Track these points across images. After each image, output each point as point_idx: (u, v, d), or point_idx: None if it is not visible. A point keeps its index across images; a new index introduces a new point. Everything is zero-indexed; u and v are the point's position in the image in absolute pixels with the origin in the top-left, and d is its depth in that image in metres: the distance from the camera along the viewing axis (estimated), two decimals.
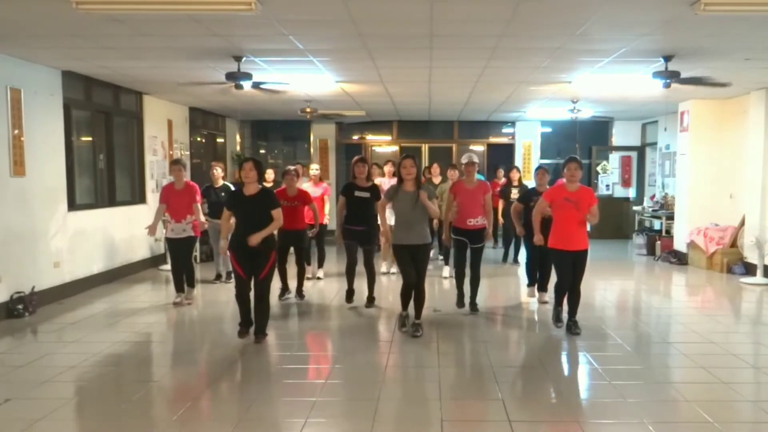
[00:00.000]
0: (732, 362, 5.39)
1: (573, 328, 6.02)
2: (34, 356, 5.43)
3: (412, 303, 6.04)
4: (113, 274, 8.81)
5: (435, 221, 7.91)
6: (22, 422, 3.96)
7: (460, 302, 7.01)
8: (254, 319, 5.81)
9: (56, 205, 7.64)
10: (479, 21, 5.36)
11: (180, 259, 7.36)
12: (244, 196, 5.75)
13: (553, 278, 6.39)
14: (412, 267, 5.92)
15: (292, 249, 7.63)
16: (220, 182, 8.56)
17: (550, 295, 7.04)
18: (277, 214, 5.73)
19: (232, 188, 7.86)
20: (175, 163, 7.49)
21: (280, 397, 4.52)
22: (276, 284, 7.14)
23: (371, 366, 5.19)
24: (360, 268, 7.14)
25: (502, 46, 6.26)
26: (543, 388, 4.80)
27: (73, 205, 8.00)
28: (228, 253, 5.98)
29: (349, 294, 7.19)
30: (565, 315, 6.17)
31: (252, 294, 5.77)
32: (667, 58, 6.65)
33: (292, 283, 7.74)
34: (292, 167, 7.76)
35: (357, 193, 6.96)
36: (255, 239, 5.54)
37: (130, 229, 9.26)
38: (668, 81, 6.87)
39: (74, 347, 5.79)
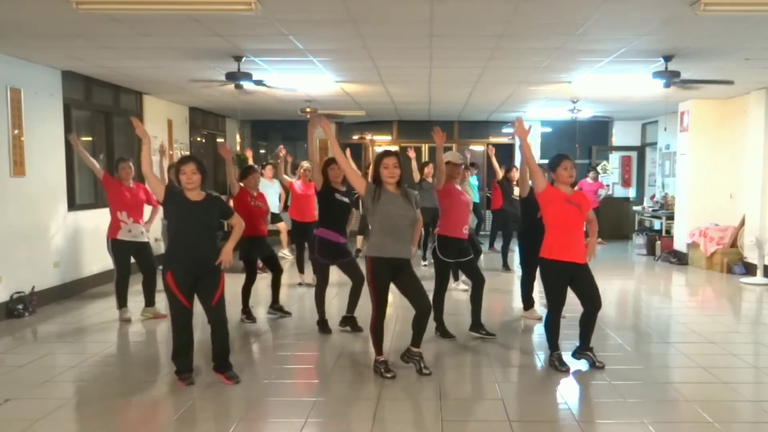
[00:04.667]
0: (732, 362, 5.39)
1: (595, 360, 5.02)
2: (34, 356, 5.42)
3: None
4: (113, 274, 8.78)
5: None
6: (22, 422, 3.96)
7: (442, 330, 5.92)
8: (214, 354, 4.71)
9: (56, 205, 7.64)
10: (479, 21, 5.36)
11: (129, 268, 6.56)
12: (187, 200, 4.53)
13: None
14: (388, 293, 4.81)
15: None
16: None
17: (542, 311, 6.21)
18: (237, 220, 4.78)
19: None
20: (123, 160, 6.59)
21: (280, 397, 4.52)
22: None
23: (371, 366, 5.18)
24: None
25: (502, 46, 6.26)
26: (543, 388, 4.80)
27: (73, 205, 8.00)
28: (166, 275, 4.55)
29: (323, 324, 6.15)
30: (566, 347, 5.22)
31: (210, 323, 4.68)
32: (667, 58, 6.64)
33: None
34: (255, 165, 7.19)
35: (338, 197, 5.95)
36: (226, 257, 4.52)
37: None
38: (668, 81, 6.87)
39: (74, 347, 5.80)
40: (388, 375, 4.79)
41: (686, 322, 6.80)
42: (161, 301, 6.79)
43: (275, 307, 6.77)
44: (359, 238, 10.80)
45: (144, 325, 6.59)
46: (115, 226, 6.43)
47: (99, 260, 8.49)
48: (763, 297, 8.18)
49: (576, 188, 5.61)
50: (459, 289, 8.08)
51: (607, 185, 13.95)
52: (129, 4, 4.70)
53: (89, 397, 4.61)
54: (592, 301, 4.94)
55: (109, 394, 4.58)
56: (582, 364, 5.12)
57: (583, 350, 5.10)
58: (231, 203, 6.29)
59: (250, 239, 6.11)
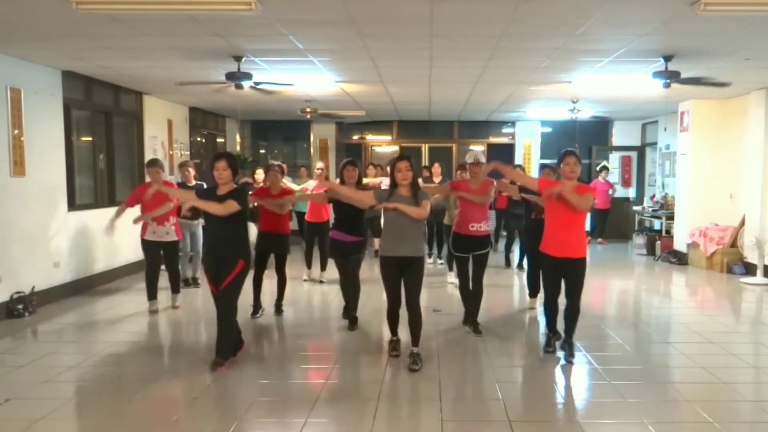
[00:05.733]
0: (732, 362, 5.39)
1: (567, 353, 5.23)
2: (34, 356, 5.42)
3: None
4: (113, 274, 8.81)
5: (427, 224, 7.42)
6: (22, 422, 3.96)
7: (474, 326, 6.12)
8: (217, 340, 5.06)
9: (56, 205, 7.64)
10: (479, 21, 5.36)
11: (157, 264, 7.02)
12: (215, 195, 5.05)
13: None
14: (399, 287, 5.11)
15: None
16: (193, 182, 8.36)
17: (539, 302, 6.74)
18: (229, 205, 4.87)
19: (205, 186, 7.17)
20: (152, 165, 6.97)
21: (281, 397, 4.52)
22: (248, 300, 6.48)
23: (371, 366, 5.18)
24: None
25: (502, 46, 6.26)
26: (543, 388, 4.80)
27: (73, 205, 8.00)
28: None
29: (348, 309, 6.48)
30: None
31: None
32: (667, 58, 6.64)
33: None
34: (275, 163, 7.44)
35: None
36: (183, 195, 5.38)
37: (130, 229, 9.23)
38: (668, 81, 6.87)
39: (74, 347, 5.80)
40: (393, 353, 5.28)
41: (686, 322, 6.80)
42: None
43: (276, 305, 6.91)
44: None
45: (144, 324, 6.59)
46: (144, 226, 6.97)
47: (99, 260, 8.52)
48: (763, 297, 8.18)
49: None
50: (454, 283, 8.16)
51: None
52: (129, 4, 4.70)
53: (89, 397, 4.61)
54: (570, 296, 5.19)
55: (109, 394, 4.59)
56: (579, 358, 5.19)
57: (564, 341, 5.32)
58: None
59: (267, 234, 6.65)
